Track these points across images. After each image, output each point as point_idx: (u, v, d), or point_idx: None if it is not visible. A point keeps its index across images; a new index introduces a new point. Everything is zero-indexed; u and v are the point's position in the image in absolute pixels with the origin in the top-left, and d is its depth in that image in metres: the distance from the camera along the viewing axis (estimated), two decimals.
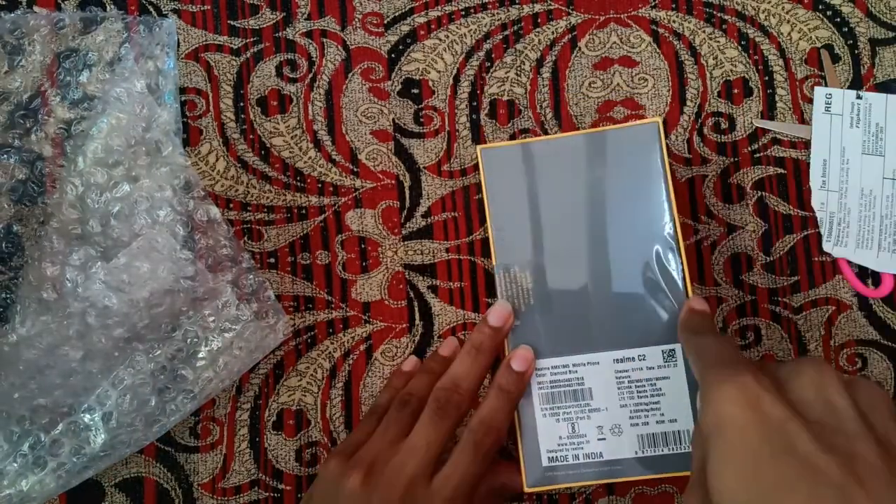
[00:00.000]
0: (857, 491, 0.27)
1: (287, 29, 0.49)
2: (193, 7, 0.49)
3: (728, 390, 0.31)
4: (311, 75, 0.49)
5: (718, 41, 0.49)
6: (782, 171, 0.48)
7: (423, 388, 0.43)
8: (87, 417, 0.42)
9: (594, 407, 0.42)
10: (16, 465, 0.41)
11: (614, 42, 0.49)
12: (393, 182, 0.48)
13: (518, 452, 0.43)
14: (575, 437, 0.42)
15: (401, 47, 0.49)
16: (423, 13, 0.49)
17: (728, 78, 0.49)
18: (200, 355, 0.43)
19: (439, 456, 0.40)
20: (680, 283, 0.42)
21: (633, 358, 0.42)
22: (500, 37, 0.49)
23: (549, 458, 0.43)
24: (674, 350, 0.42)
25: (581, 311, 0.43)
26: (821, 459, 0.28)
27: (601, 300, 0.43)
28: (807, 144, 0.48)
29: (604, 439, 0.42)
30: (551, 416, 0.43)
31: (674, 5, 0.49)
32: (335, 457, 0.41)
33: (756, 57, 0.49)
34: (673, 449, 0.42)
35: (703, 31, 0.49)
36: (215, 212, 0.46)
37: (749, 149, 0.48)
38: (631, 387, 0.42)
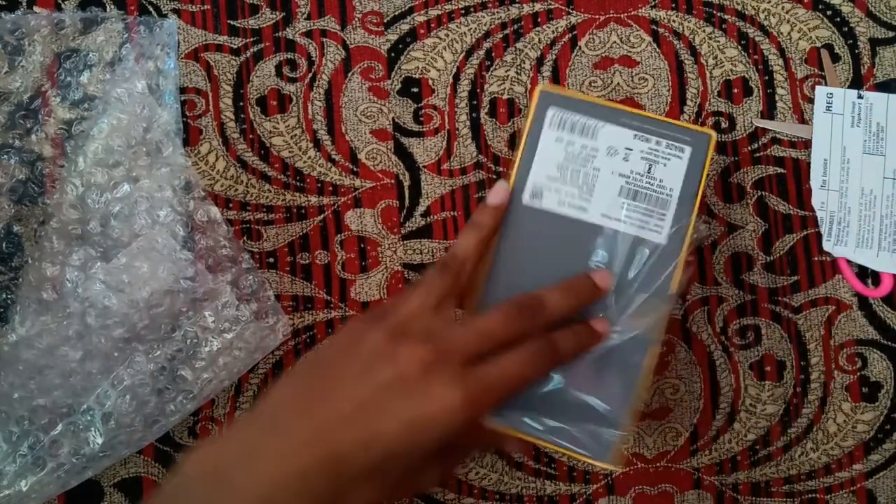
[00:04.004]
0: None
1: (287, 29, 0.49)
2: (193, 7, 0.49)
3: None
4: (310, 75, 0.49)
5: (718, 41, 0.49)
6: (782, 170, 0.48)
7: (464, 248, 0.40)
8: (86, 418, 0.42)
9: None
10: (15, 465, 0.41)
11: (614, 42, 0.49)
12: (392, 181, 0.48)
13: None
14: None
15: (400, 46, 0.49)
16: (422, 12, 0.49)
17: (728, 77, 0.49)
18: (200, 356, 0.43)
19: (441, 301, 0.38)
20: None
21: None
22: (500, 36, 0.49)
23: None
24: None
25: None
26: None
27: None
28: (806, 144, 0.48)
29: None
30: None
31: (674, 5, 0.49)
32: (356, 317, 0.39)
33: (756, 56, 0.49)
34: None
35: (703, 31, 0.49)
36: (215, 212, 0.46)
37: (749, 148, 0.48)
38: None
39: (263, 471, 0.32)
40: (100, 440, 0.42)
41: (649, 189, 0.41)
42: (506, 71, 0.49)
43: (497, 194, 0.42)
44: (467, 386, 0.34)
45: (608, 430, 0.40)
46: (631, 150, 0.41)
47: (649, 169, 0.41)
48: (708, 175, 0.45)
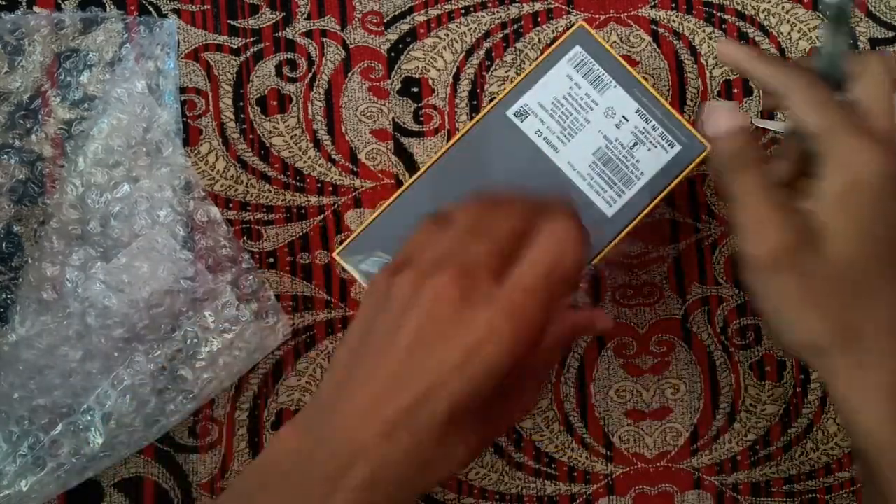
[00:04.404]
0: None
1: (287, 29, 0.49)
2: (193, 7, 0.49)
3: (866, 159, 0.33)
4: (310, 75, 0.49)
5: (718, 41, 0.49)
6: None
7: None
8: (86, 418, 0.42)
9: None
10: (15, 465, 0.41)
11: (614, 41, 0.49)
12: (392, 181, 0.48)
13: None
14: None
15: (400, 46, 0.49)
16: (422, 12, 0.49)
17: (728, 77, 0.49)
18: (200, 356, 0.43)
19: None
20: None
21: None
22: (500, 35, 0.49)
23: None
24: None
25: None
26: None
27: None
28: None
29: None
30: None
31: (673, 5, 0.49)
32: (380, 273, 0.34)
33: None
34: None
35: (703, 31, 0.49)
36: (215, 212, 0.46)
37: None
38: None
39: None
40: (100, 440, 0.42)
41: (623, 163, 0.41)
42: (506, 71, 0.49)
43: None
44: (506, 299, 0.29)
45: None
46: (627, 120, 0.42)
47: (633, 145, 0.41)
48: (685, 181, 0.45)
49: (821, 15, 0.49)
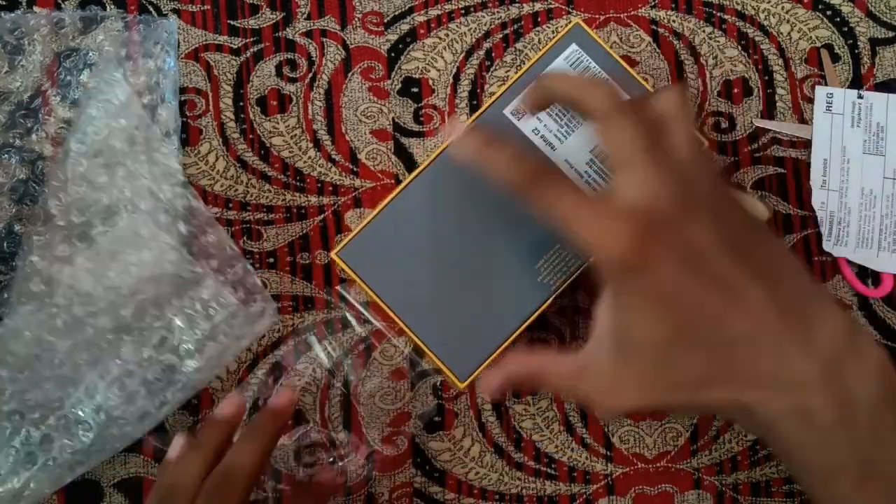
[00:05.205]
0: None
1: (287, 29, 0.49)
2: (193, 7, 0.49)
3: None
4: (310, 75, 0.49)
5: (718, 41, 0.49)
6: (782, 170, 0.48)
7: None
8: (76, 411, 0.42)
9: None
10: (8, 461, 0.41)
11: (614, 41, 0.49)
12: (392, 181, 0.48)
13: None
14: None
15: (400, 46, 0.49)
16: (422, 12, 0.49)
17: (728, 77, 0.49)
18: (187, 344, 0.43)
19: None
20: None
21: None
22: (500, 36, 0.49)
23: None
24: None
25: None
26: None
27: None
28: (806, 144, 0.48)
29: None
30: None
31: (673, 5, 0.49)
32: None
33: (756, 56, 0.49)
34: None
35: (703, 31, 0.49)
36: (198, 202, 0.46)
37: (749, 148, 0.48)
38: None
39: None
40: (91, 434, 0.42)
41: None
42: (506, 71, 0.49)
43: (230, 404, 0.41)
44: None
45: (476, 352, 0.41)
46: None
47: None
48: None
49: None
